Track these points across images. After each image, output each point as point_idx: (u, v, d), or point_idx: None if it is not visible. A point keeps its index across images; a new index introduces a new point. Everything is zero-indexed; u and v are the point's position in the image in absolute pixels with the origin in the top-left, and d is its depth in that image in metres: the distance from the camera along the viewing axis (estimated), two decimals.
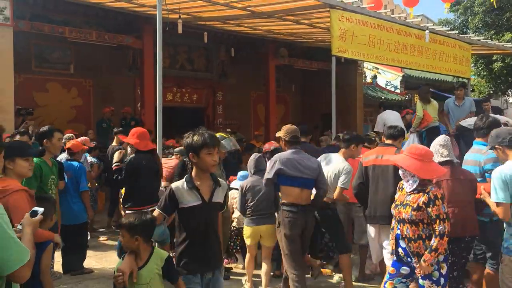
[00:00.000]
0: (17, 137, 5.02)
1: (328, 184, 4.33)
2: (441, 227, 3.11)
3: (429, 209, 3.14)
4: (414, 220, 3.19)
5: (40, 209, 2.16)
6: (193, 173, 2.78)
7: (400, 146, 4.59)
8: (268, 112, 12.08)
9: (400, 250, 3.32)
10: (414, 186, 3.26)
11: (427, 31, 8.03)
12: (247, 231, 4.58)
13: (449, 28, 10.52)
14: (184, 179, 2.78)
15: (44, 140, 4.26)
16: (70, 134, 6.70)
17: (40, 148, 4.19)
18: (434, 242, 3.13)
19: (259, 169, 4.62)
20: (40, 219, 2.12)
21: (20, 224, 2.04)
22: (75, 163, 5.20)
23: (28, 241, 1.95)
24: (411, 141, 7.32)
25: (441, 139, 3.98)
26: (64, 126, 8.79)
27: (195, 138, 2.68)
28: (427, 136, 7.30)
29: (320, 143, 7.56)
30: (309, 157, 4.19)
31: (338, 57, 7.27)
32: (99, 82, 10.18)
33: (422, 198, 3.18)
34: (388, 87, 17.07)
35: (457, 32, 10.00)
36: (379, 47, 7.68)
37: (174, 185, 2.80)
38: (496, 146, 3.31)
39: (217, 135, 4.17)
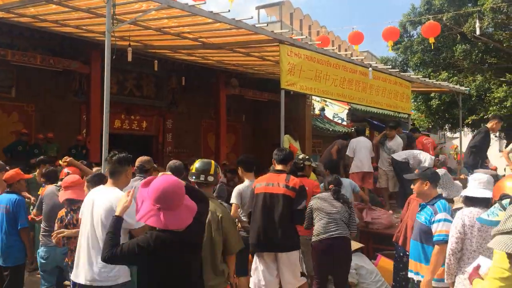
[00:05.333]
0: None
1: None
2: None
3: None
4: None
5: None
6: None
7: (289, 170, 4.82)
8: (218, 141, 12.08)
9: None
10: None
11: (370, 69, 8.42)
12: None
13: (390, 66, 11.12)
14: None
15: None
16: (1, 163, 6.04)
17: None
18: None
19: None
20: None
21: None
22: (13, 196, 4.74)
23: None
24: None
25: None
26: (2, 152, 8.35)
27: None
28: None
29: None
30: None
31: (287, 90, 7.45)
32: (42, 107, 9.79)
33: None
34: (336, 119, 17.65)
35: (398, 70, 10.56)
36: (325, 82, 7.94)
37: None
38: None
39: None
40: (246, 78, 12.03)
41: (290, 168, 4.90)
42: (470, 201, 3.37)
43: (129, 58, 6.59)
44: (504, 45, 15.00)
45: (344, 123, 17.37)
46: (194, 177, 3.66)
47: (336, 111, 17.87)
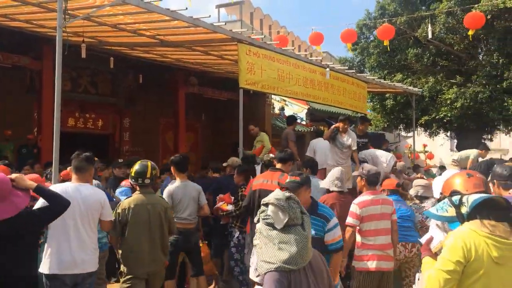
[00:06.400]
0: None
1: None
2: None
3: None
4: None
5: None
6: None
7: (289, 170, 4.92)
8: (177, 140, 11.93)
9: None
10: None
11: (327, 69, 8.57)
12: None
13: (347, 67, 11.35)
14: None
15: None
16: None
17: None
18: None
19: None
20: None
21: None
22: None
23: None
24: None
25: (336, 172, 4.99)
26: None
27: None
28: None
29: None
30: None
31: (247, 89, 7.45)
32: None
33: None
34: None
35: (354, 71, 10.80)
36: (289, 82, 8.02)
37: None
38: None
39: None
40: (205, 76, 11.94)
41: (290, 168, 5.07)
42: None
43: (83, 55, 6.39)
44: (455, 48, 15.65)
45: (304, 122, 17.59)
46: (133, 180, 4.30)
47: (295, 111, 18.06)
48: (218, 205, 5.71)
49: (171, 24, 6.43)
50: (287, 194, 2.43)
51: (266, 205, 2.37)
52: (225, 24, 6.67)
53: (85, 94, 10.90)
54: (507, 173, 3.88)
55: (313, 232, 3.05)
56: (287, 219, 2.29)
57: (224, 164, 7.05)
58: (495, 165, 3.98)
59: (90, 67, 10.56)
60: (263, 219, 2.35)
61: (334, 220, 3.38)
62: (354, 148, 7.58)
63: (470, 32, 9.45)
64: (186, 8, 5.58)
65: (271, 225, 2.31)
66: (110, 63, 8.43)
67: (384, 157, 7.74)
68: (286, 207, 2.32)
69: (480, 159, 8.83)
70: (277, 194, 2.42)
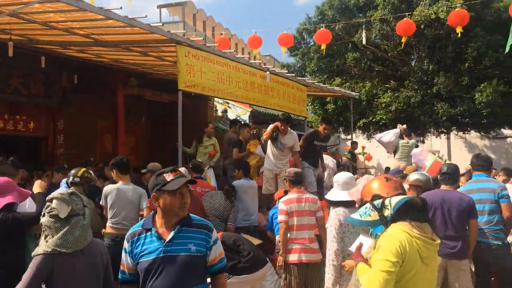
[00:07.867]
0: None
1: None
2: None
3: None
4: None
5: None
6: None
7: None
8: (116, 143, 11.57)
9: None
10: None
11: (267, 72, 8.68)
12: None
13: (287, 71, 11.57)
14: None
15: None
16: None
17: None
18: None
19: None
20: None
21: None
22: None
23: None
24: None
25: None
26: None
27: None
28: None
29: None
30: None
31: (187, 91, 7.38)
32: None
33: None
34: None
35: (294, 75, 11.03)
36: (229, 84, 8.03)
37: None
38: None
39: None
40: (146, 78, 11.68)
41: None
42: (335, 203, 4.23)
43: (10, 53, 6.07)
44: (389, 55, 16.42)
45: None
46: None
47: (238, 113, 18.10)
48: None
49: (106, 23, 6.23)
50: (70, 190, 2.81)
51: (51, 200, 2.70)
52: (163, 24, 6.57)
53: (16, 95, 10.29)
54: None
55: (193, 248, 2.54)
56: (70, 209, 2.65)
57: (143, 171, 6.90)
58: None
59: (21, 67, 9.99)
60: (48, 212, 2.66)
61: (215, 231, 2.70)
62: (297, 149, 7.19)
63: (404, 39, 9.97)
64: (121, 7, 5.44)
65: (56, 217, 2.63)
66: (42, 62, 8.03)
67: (329, 159, 8.33)
68: (69, 200, 2.69)
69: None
70: (61, 190, 2.80)
